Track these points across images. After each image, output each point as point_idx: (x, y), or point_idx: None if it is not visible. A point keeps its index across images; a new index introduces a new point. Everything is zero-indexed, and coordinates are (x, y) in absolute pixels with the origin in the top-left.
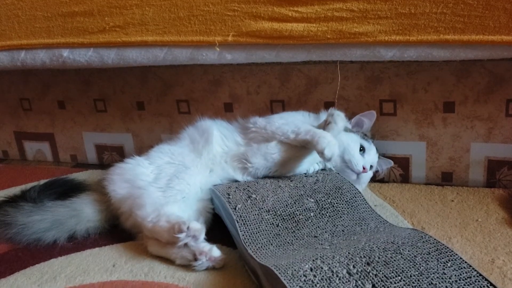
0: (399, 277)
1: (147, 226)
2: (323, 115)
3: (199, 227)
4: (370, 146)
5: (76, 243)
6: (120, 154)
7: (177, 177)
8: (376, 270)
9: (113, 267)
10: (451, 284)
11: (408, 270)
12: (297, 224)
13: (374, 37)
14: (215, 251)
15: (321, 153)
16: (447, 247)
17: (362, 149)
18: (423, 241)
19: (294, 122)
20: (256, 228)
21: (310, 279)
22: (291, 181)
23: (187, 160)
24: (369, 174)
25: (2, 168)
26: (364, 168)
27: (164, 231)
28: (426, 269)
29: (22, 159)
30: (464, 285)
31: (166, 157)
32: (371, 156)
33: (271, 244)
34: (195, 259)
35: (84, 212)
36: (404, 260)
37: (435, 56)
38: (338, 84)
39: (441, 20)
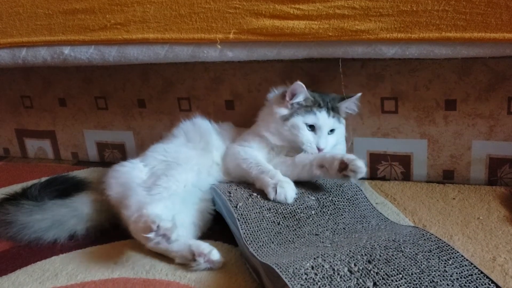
0: (401, 275)
1: (130, 226)
2: None
3: (169, 226)
4: (325, 119)
5: (77, 241)
6: (121, 152)
7: (165, 175)
8: (378, 268)
9: (114, 264)
10: (452, 282)
11: (410, 268)
12: (298, 222)
13: (375, 34)
14: (215, 254)
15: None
16: (449, 245)
17: (312, 129)
18: (424, 239)
19: (256, 158)
20: (257, 226)
21: (311, 277)
22: None
23: (181, 157)
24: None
25: (3, 166)
26: (319, 149)
27: (140, 231)
28: (427, 267)
29: (23, 156)
30: (466, 283)
31: (159, 155)
32: (327, 136)
33: (272, 242)
34: (194, 260)
35: (84, 213)
36: (406, 258)
37: (437, 53)
38: (342, 80)
39: (443, 17)
